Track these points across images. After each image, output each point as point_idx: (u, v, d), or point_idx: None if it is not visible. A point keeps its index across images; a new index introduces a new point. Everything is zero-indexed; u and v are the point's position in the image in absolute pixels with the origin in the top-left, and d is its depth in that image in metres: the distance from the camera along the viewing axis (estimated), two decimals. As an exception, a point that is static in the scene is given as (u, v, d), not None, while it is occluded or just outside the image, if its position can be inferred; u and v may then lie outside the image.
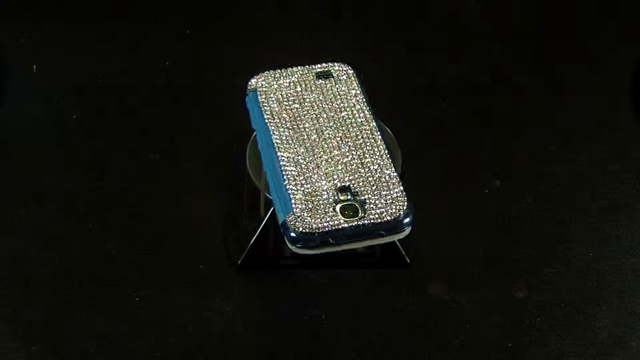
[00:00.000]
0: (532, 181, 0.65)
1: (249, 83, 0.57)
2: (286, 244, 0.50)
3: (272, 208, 0.58)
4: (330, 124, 0.55)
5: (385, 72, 0.72)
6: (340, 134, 0.54)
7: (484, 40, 0.74)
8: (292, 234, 0.49)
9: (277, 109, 0.55)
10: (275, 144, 0.53)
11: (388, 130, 0.57)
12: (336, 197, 0.51)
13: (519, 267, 0.60)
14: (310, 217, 0.50)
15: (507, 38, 0.74)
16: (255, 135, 0.55)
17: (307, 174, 0.52)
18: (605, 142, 0.67)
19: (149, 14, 0.76)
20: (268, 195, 0.57)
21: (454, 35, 0.75)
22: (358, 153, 0.53)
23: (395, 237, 0.50)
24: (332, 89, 0.56)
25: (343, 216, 0.50)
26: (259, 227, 0.59)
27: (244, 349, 0.57)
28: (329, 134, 0.54)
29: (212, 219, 0.63)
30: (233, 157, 0.63)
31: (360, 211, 0.50)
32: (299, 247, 0.50)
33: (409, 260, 0.60)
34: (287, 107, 0.55)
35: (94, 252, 0.61)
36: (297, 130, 0.54)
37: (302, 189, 0.51)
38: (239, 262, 0.60)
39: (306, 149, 0.54)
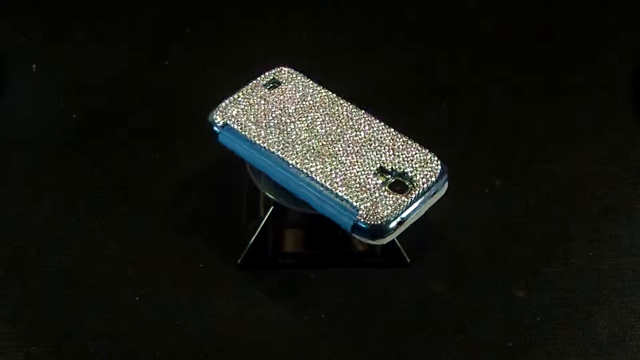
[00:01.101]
0: (532, 181, 0.65)
1: (214, 120, 0.57)
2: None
3: (271, 208, 0.58)
4: (314, 122, 0.55)
5: (385, 72, 0.72)
6: (330, 126, 0.55)
7: (484, 40, 0.74)
8: (371, 231, 0.50)
9: (256, 129, 0.55)
10: (284, 159, 0.54)
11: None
12: (380, 181, 0.52)
13: (519, 267, 0.60)
14: (376, 207, 0.51)
15: (507, 38, 0.74)
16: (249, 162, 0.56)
17: (339, 172, 0.53)
18: (605, 142, 0.67)
19: (149, 13, 0.76)
20: (269, 195, 0.57)
21: (454, 35, 0.75)
22: (361, 135, 0.54)
23: (440, 195, 0.52)
24: (290, 92, 0.57)
25: (399, 194, 0.51)
26: (258, 227, 0.59)
27: (244, 349, 0.57)
28: (319, 130, 0.55)
29: (212, 219, 0.63)
30: (233, 157, 0.63)
31: (407, 183, 0.52)
32: (378, 240, 0.51)
33: (409, 260, 0.60)
34: (266, 123, 0.55)
35: (94, 252, 0.61)
36: (292, 138, 0.55)
37: (348, 186, 0.52)
38: (239, 262, 0.60)
39: (314, 151, 0.54)
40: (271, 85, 0.58)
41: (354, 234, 0.52)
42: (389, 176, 0.53)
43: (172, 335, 0.58)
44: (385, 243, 0.52)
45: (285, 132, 0.55)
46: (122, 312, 0.59)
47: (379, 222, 0.51)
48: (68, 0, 0.77)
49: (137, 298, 0.59)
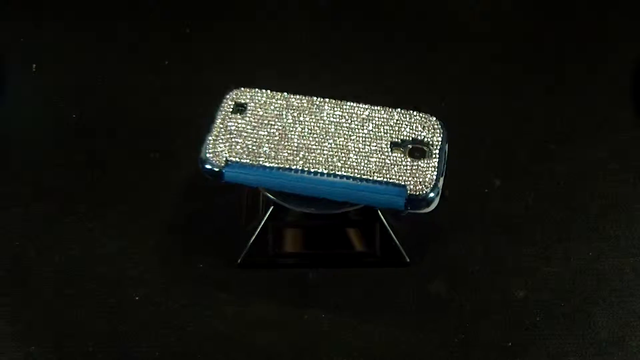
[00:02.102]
0: (532, 181, 0.65)
1: (211, 161, 0.55)
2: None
3: (271, 207, 0.58)
4: (304, 126, 0.55)
5: (385, 72, 0.72)
6: (322, 124, 0.55)
7: (484, 40, 0.74)
8: (425, 199, 0.53)
9: (258, 153, 0.55)
10: (304, 169, 0.54)
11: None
12: (400, 154, 0.54)
13: (519, 267, 0.60)
14: (417, 176, 0.53)
15: (507, 38, 0.74)
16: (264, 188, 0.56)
17: (361, 160, 0.54)
18: (605, 142, 0.67)
19: (148, 13, 0.76)
20: (268, 195, 0.57)
21: (454, 35, 0.75)
22: (356, 122, 0.55)
23: (446, 149, 0.55)
24: (262, 108, 0.56)
25: (424, 159, 0.54)
26: (258, 227, 0.59)
27: (244, 349, 0.57)
28: (315, 132, 0.55)
29: (212, 219, 0.63)
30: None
31: (423, 147, 0.54)
32: (432, 206, 0.54)
33: (408, 260, 0.60)
34: (261, 145, 0.55)
35: (94, 252, 0.61)
36: (294, 148, 0.55)
37: (380, 169, 0.53)
38: (239, 261, 0.60)
39: (323, 151, 0.54)
40: (239, 109, 0.57)
41: (408, 210, 0.53)
42: (404, 147, 0.54)
43: (172, 335, 0.58)
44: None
45: (284, 145, 0.55)
46: (122, 312, 0.59)
47: (428, 187, 0.53)
48: (68, 0, 0.76)
49: (137, 298, 0.59)
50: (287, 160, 0.54)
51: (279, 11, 0.76)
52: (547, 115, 0.69)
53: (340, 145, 0.55)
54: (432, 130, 0.55)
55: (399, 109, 0.57)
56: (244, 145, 0.55)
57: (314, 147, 0.55)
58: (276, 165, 0.54)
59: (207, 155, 0.55)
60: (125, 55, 0.73)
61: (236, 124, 0.56)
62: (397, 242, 0.59)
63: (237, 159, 0.55)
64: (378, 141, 0.55)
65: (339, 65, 0.72)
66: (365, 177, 0.53)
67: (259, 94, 0.57)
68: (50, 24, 0.75)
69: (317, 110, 0.56)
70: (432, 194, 0.53)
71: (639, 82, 0.70)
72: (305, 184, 0.54)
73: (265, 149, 0.55)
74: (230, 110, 0.57)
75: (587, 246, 0.61)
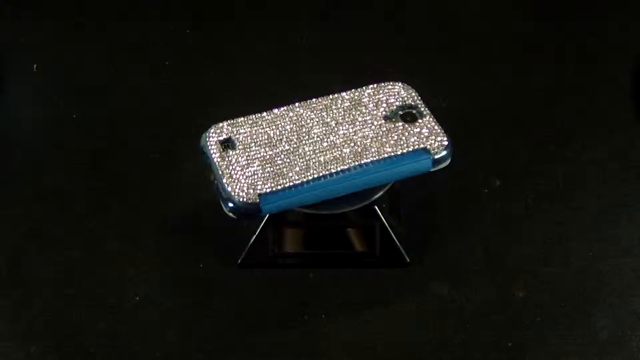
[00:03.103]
0: (532, 181, 0.65)
1: (247, 200, 0.52)
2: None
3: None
4: (299, 136, 0.55)
5: (385, 72, 0.72)
6: (311, 127, 0.55)
7: (484, 40, 0.74)
8: (448, 152, 0.55)
9: (281, 176, 0.54)
10: (328, 175, 0.54)
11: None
12: (400, 123, 0.56)
13: (519, 267, 0.60)
14: (431, 136, 0.55)
15: (507, 38, 0.74)
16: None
17: (374, 143, 0.55)
18: (605, 142, 0.67)
19: (149, 13, 0.76)
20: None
21: (454, 35, 0.75)
22: (341, 111, 0.56)
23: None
24: (251, 135, 0.56)
25: (419, 119, 0.56)
26: (258, 227, 0.59)
27: (244, 348, 0.57)
28: (311, 137, 0.55)
29: (212, 219, 0.63)
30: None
31: (412, 111, 0.56)
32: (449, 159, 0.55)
33: (408, 260, 0.60)
34: (276, 169, 0.54)
35: (94, 252, 0.61)
36: (308, 158, 0.54)
37: (393, 143, 0.55)
38: (239, 261, 0.60)
39: (332, 150, 0.55)
40: (227, 145, 0.55)
41: (436, 167, 0.55)
42: (395, 118, 0.56)
43: (172, 335, 0.58)
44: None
45: (298, 158, 0.54)
46: (122, 312, 0.59)
47: (446, 141, 0.55)
48: (68, 0, 0.77)
49: (137, 298, 0.59)
50: (312, 170, 0.54)
51: (279, 11, 0.77)
52: (547, 115, 0.69)
53: (345, 137, 0.55)
54: (407, 92, 0.57)
55: (371, 85, 0.58)
56: (264, 173, 0.53)
57: (325, 148, 0.55)
58: (307, 179, 0.53)
59: (235, 197, 0.52)
60: (125, 55, 0.73)
61: (237, 158, 0.54)
62: (397, 242, 0.59)
63: (269, 189, 0.53)
64: (374, 121, 0.56)
65: (339, 65, 0.72)
66: (388, 155, 0.54)
67: (239, 124, 0.56)
68: (50, 24, 0.75)
69: (302, 115, 0.56)
70: (448, 143, 0.55)
71: (639, 82, 0.70)
72: (341, 185, 0.54)
73: (285, 169, 0.54)
74: (220, 148, 0.55)
75: (587, 246, 0.61)
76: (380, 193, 0.56)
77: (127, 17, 0.76)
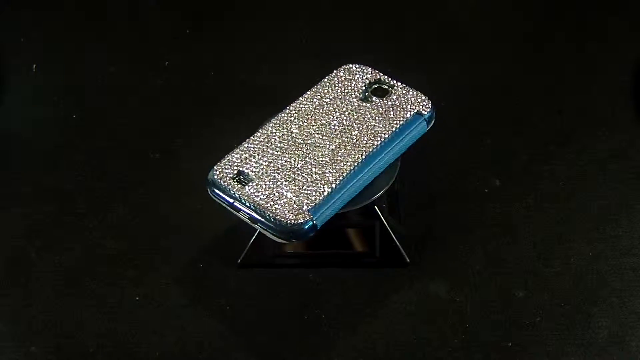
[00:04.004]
0: (532, 181, 0.65)
1: (303, 226, 0.52)
2: None
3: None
4: (298, 147, 0.55)
5: (385, 72, 0.72)
6: (304, 136, 0.56)
7: (484, 40, 0.74)
8: (434, 109, 0.57)
9: (311, 189, 0.53)
10: (352, 167, 0.54)
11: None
12: (376, 98, 0.57)
13: (519, 267, 0.60)
14: (414, 98, 0.57)
15: (507, 38, 0.74)
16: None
17: (364, 125, 0.56)
18: (605, 142, 0.67)
19: (149, 13, 0.76)
20: None
21: (454, 35, 0.75)
22: (318, 110, 0.57)
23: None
24: (255, 162, 0.55)
25: (393, 86, 0.58)
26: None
27: (244, 348, 0.57)
28: (308, 145, 0.55)
29: (212, 219, 0.63)
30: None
31: (381, 85, 0.58)
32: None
33: (408, 260, 0.60)
34: (304, 183, 0.54)
35: (94, 252, 0.61)
36: (322, 161, 0.54)
37: (384, 120, 0.56)
38: (239, 261, 0.60)
39: (338, 148, 0.55)
40: (240, 178, 0.54)
41: (428, 127, 0.57)
42: (370, 98, 0.57)
43: (172, 335, 0.58)
44: None
45: (313, 168, 0.54)
46: (122, 312, 0.59)
47: (427, 99, 0.57)
48: (68, 0, 0.77)
49: (137, 298, 0.59)
50: (334, 170, 0.54)
51: (279, 11, 0.77)
52: (547, 115, 0.69)
53: (343, 131, 0.55)
54: (363, 70, 0.58)
55: (326, 78, 0.59)
56: (296, 191, 0.53)
57: (333, 147, 0.55)
58: (336, 179, 0.53)
59: (289, 223, 0.51)
60: (125, 55, 0.73)
61: (260, 188, 0.53)
62: (397, 242, 0.59)
63: (313, 203, 0.52)
64: (357, 107, 0.56)
65: (339, 65, 0.72)
66: (392, 130, 0.55)
67: (239, 156, 0.55)
68: (50, 24, 0.75)
69: (291, 127, 0.56)
70: (429, 100, 0.57)
71: (639, 82, 0.70)
72: (366, 172, 0.54)
73: (310, 181, 0.53)
74: (236, 185, 0.53)
75: (587, 246, 0.61)
76: (380, 193, 0.56)
77: (127, 17, 0.76)
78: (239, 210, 0.53)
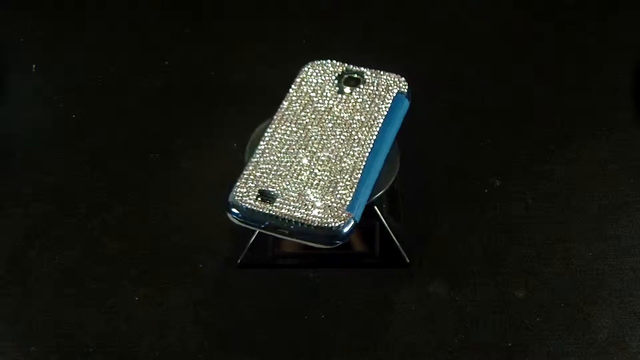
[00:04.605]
0: (532, 181, 0.65)
1: (345, 227, 0.51)
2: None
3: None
4: (302, 154, 0.55)
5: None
6: (303, 143, 0.55)
7: (484, 40, 0.74)
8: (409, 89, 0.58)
9: (335, 187, 0.53)
10: (364, 159, 0.54)
11: (396, 146, 0.58)
12: (348, 89, 0.57)
13: (519, 267, 0.60)
14: (388, 77, 0.58)
15: (507, 38, 0.74)
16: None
17: (355, 119, 0.56)
18: (605, 142, 0.67)
19: (149, 13, 0.76)
20: None
21: (454, 35, 0.75)
22: (298, 114, 0.57)
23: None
24: (272, 175, 0.54)
25: (363, 74, 0.58)
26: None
27: (244, 348, 0.57)
28: (311, 148, 0.55)
29: (212, 219, 0.63)
30: (233, 156, 0.63)
31: (352, 75, 0.58)
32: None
33: (408, 260, 0.60)
34: (329, 182, 0.54)
35: (94, 252, 0.61)
36: (332, 156, 0.54)
37: (373, 104, 0.56)
38: (239, 261, 0.60)
39: (341, 141, 0.55)
40: (264, 197, 0.53)
41: (409, 102, 0.57)
42: (345, 89, 0.57)
43: (172, 335, 0.58)
44: None
45: (327, 166, 0.54)
46: (122, 312, 0.59)
47: (399, 76, 0.58)
48: (68, 0, 0.77)
49: (137, 298, 0.59)
50: (350, 165, 0.54)
51: (279, 11, 0.76)
52: (547, 115, 0.69)
53: (341, 127, 0.55)
54: (329, 65, 0.58)
55: (297, 79, 0.59)
56: (325, 194, 0.52)
57: (337, 144, 0.55)
58: (355, 172, 0.53)
59: (335, 226, 0.51)
60: (125, 55, 0.73)
61: (289, 199, 0.52)
62: (397, 242, 0.59)
63: (348, 200, 0.52)
64: (340, 100, 0.57)
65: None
66: (382, 118, 0.56)
67: (250, 178, 0.53)
68: (50, 24, 0.75)
69: (286, 133, 0.56)
70: (400, 76, 0.58)
71: (639, 82, 0.70)
72: (376, 165, 0.54)
73: (332, 180, 0.53)
74: (265, 206, 0.52)
75: (587, 246, 0.61)
76: (380, 193, 0.56)
77: (127, 17, 0.76)
78: (276, 228, 0.52)
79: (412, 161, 0.60)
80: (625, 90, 0.70)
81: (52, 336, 0.58)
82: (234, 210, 0.53)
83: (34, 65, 0.72)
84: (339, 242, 0.52)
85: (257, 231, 0.58)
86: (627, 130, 0.68)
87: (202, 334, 0.58)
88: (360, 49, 0.73)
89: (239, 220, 0.53)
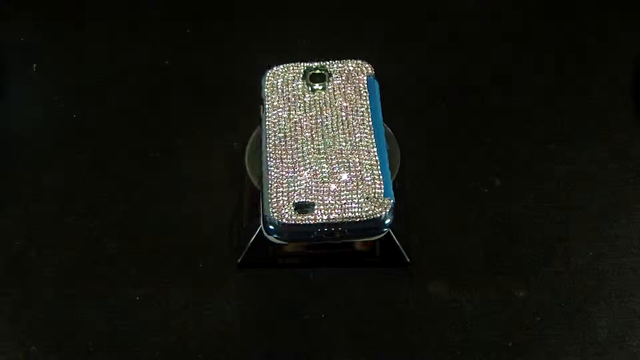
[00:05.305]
0: (532, 181, 0.65)
1: (387, 220, 0.52)
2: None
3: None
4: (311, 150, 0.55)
5: (385, 71, 0.71)
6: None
7: (484, 40, 0.74)
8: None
9: (362, 176, 0.53)
10: (377, 139, 0.54)
11: (387, 128, 0.58)
12: (318, 86, 0.57)
13: (519, 267, 0.60)
14: (355, 68, 0.58)
15: (507, 38, 0.74)
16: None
17: (336, 115, 0.56)
18: (605, 142, 0.67)
19: (148, 13, 0.76)
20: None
21: (454, 35, 0.75)
22: (281, 119, 0.56)
23: None
24: (290, 185, 0.53)
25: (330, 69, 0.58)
26: (258, 226, 0.59)
27: (244, 348, 0.57)
28: (322, 140, 0.55)
29: (212, 219, 0.63)
30: (233, 156, 0.63)
31: (322, 71, 0.57)
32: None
33: (408, 260, 0.60)
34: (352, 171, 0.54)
35: (94, 252, 0.61)
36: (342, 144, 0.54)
37: (351, 92, 0.57)
38: (239, 261, 0.60)
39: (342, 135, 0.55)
40: (299, 209, 0.52)
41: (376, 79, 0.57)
42: (308, 78, 0.57)
43: (172, 335, 0.58)
44: None
45: (342, 160, 0.54)
46: (122, 312, 0.59)
47: (362, 61, 0.58)
48: (68, 0, 0.76)
49: (137, 298, 0.59)
50: (364, 156, 0.53)
51: (279, 11, 0.76)
52: (547, 115, 0.69)
53: (334, 123, 0.55)
54: (289, 67, 0.58)
55: (266, 89, 0.58)
56: (358, 192, 0.52)
57: (340, 139, 0.55)
58: (374, 163, 0.53)
59: (382, 217, 0.51)
60: (125, 55, 0.73)
61: (325, 207, 0.52)
62: (397, 242, 0.59)
63: (379, 190, 0.52)
64: (322, 99, 0.56)
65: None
66: (366, 104, 0.56)
67: (279, 193, 0.53)
68: (50, 24, 0.75)
69: (287, 141, 0.55)
70: (367, 63, 0.58)
71: (639, 82, 0.70)
72: (382, 145, 0.54)
73: (355, 178, 0.53)
74: (305, 217, 0.51)
75: (587, 246, 0.61)
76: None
77: (127, 17, 0.76)
78: (325, 236, 0.52)
79: (412, 161, 0.60)
80: (625, 90, 0.70)
81: (52, 336, 0.58)
82: (276, 234, 0.52)
83: (34, 65, 0.72)
84: (387, 230, 0.52)
85: (257, 231, 0.58)
86: (627, 130, 0.68)
87: (202, 334, 0.58)
88: (359, 49, 0.73)
89: (286, 240, 0.52)
